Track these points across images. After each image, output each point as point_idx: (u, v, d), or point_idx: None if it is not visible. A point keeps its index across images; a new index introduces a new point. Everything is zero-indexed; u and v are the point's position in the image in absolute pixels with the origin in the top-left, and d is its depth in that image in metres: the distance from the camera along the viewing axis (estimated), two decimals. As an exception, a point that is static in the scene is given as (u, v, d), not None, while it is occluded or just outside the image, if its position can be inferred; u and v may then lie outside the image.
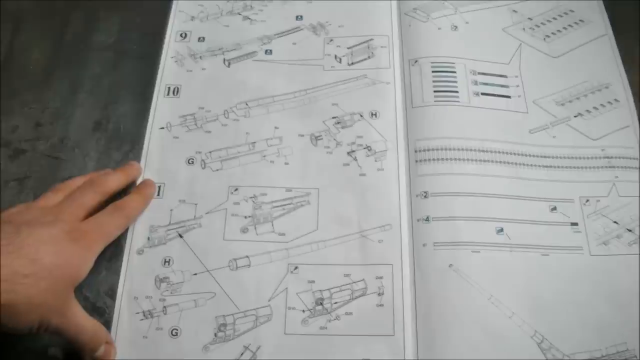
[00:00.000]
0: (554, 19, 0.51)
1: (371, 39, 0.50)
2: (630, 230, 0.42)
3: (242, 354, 0.38)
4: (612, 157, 0.45)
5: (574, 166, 0.44)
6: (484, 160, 0.44)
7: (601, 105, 0.47)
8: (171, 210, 0.42)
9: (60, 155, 0.45)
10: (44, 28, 0.51)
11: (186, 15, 0.51)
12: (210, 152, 0.45)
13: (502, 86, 0.47)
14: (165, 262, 0.41)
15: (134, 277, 0.40)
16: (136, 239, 0.41)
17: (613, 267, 0.40)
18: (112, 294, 0.39)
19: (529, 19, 0.51)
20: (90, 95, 0.47)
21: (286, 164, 0.44)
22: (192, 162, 0.44)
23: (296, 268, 0.40)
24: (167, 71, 0.48)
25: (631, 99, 0.47)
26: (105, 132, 0.46)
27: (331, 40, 0.50)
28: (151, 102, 0.47)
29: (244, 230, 0.42)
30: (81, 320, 0.35)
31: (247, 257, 0.41)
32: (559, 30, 0.51)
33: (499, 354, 0.37)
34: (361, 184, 0.43)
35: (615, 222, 0.42)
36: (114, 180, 0.41)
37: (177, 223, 0.42)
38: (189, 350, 0.38)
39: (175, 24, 0.51)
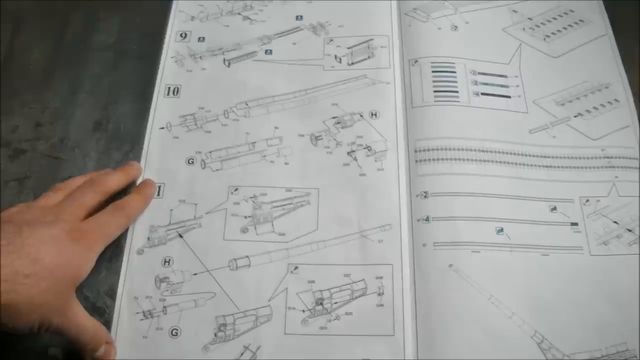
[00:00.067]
0: (554, 19, 0.51)
1: (371, 39, 0.50)
2: (630, 230, 0.42)
3: (242, 354, 0.38)
4: (612, 157, 0.45)
5: (574, 166, 0.44)
6: (484, 160, 0.44)
7: (601, 105, 0.47)
8: (171, 210, 0.42)
9: (60, 155, 0.45)
10: (44, 28, 0.51)
11: (186, 15, 0.52)
12: (210, 152, 0.45)
13: (502, 86, 0.47)
14: (165, 262, 0.41)
15: (134, 277, 0.40)
16: (136, 239, 0.41)
17: (613, 267, 0.40)
18: (112, 294, 0.40)
19: (529, 19, 0.51)
20: (90, 95, 0.47)
21: (286, 164, 0.44)
22: (192, 162, 0.44)
23: (296, 268, 0.40)
24: (167, 71, 0.48)
25: (631, 99, 0.47)
26: (105, 132, 0.46)
27: (331, 40, 0.50)
28: (151, 102, 0.47)
29: (244, 230, 0.42)
30: (82, 320, 0.35)
31: (247, 257, 0.41)
32: (559, 30, 0.51)
33: (499, 354, 0.37)
34: (361, 184, 0.43)
35: (615, 222, 0.42)
36: (114, 180, 0.41)
37: (177, 223, 0.42)
38: (189, 350, 0.38)
39: (175, 24, 0.51)
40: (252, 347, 0.38)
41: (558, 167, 0.44)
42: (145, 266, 0.40)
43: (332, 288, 0.40)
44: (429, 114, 0.45)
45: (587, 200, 0.43)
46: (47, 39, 0.50)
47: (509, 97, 0.47)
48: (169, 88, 0.48)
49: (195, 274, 0.40)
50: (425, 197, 0.42)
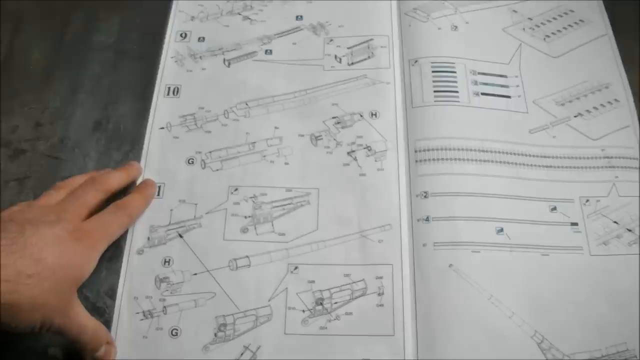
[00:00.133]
0: (554, 19, 0.51)
1: (371, 39, 0.50)
2: (630, 230, 0.42)
3: (242, 354, 0.38)
4: (612, 157, 0.45)
5: (574, 166, 0.44)
6: (484, 160, 0.44)
7: (601, 105, 0.47)
8: (171, 210, 0.42)
9: (60, 155, 0.45)
10: (44, 28, 0.51)
11: (186, 15, 0.51)
12: (210, 152, 0.45)
13: (502, 86, 0.47)
14: (165, 262, 0.41)
15: (134, 277, 0.40)
16: (136, 239, 0.41)
17: (613, 267, 0.40)
18: (112, 294, 0.40)
19: (529, 19, 0.51)
20: (90, 95, 0.47)
21: (286, 164, 0.44)
22: (192, 162, 0.44)
23: (296, 268, 0.40)
24: (167, 71, 0.48)
25: (631, 99, 0.47)
26: (105, 132, 0.46)
27: (331, 40, 0.50)
28: (151, 102, 0.47)
29: (244, 230, 0.42)
30: (83, 320, 0.35)
31: (247, 257, 0.41)
32: (559, 30, 0.51)
33: (499, 354, 0.37)
34: (361, 184, 0.43)
35: (615, 222, 0.42)
36: (115, 179, 0.41)
37: (177, 223, 0.42)
38: (189, 350, 0.38)
39: (175, 24, 0.51)
40: (252, 347, 0.38)
41: (558, 167, 0.44)
42: (145, 266, 0.40)
43: (332, 288, 0.40)
44: (429, 114, 0.45)
45: (587, 200, 0.43)
46: (47, 39, 0.50)
47: (509, 97, 0.47)
48: (169, 88, 0.48)
49: (195, 274, 0.40)
50: (425, 197, 0.42)
